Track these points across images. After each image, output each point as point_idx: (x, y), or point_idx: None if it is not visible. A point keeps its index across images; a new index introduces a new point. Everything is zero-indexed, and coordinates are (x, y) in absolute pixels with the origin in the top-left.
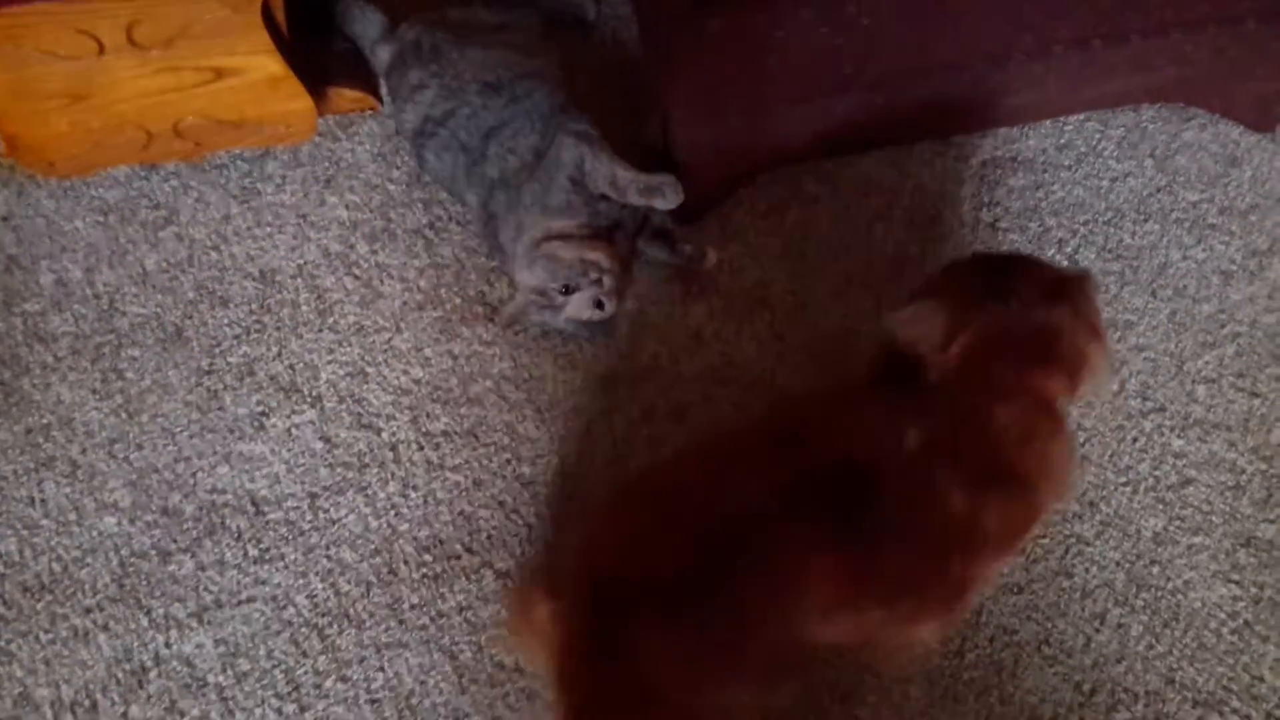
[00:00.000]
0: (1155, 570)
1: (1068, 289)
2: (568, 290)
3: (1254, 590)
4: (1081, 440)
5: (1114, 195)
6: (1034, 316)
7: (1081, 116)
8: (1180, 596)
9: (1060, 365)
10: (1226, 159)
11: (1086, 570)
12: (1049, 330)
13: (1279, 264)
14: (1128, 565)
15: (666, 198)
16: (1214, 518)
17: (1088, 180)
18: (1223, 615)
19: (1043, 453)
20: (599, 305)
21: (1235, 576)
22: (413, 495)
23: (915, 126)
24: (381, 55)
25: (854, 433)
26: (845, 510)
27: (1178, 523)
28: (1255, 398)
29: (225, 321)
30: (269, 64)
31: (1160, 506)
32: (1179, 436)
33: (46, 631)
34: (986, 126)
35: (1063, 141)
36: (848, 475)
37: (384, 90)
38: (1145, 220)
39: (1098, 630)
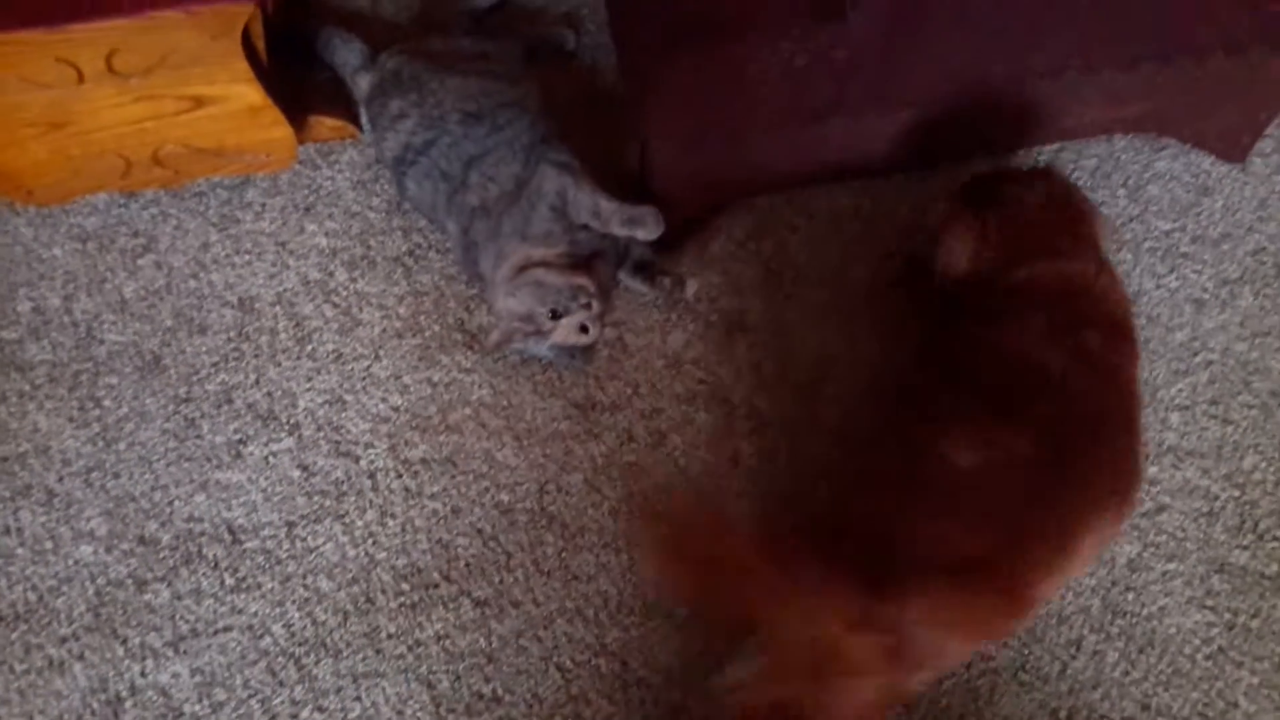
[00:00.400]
0: (1130, 597)
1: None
2: (556, 315)
3: (1228, 616)
4: None
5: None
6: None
7: (1056, 146)
8: (1155, 622)
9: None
10: (1198, 188)
11: (1062, 597)
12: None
13: (1250, 293)
14: (1103, 592)
15: (648, 228)
16: (1188, 544)
17: None
18: (1197, 641)
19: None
20: (583, 330)
21: (1209, 603)
22: (391, 523)
23: (890, 157)
24: (362, 84)
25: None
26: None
27: (1152, 549)
28: (1228, 425)
29: (203, 349)
30: (249, 92)
31: (1135, 533)
32: (1153, 464)
33: (21, 661)
34: (961, 157)
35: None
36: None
37: (364, 118)
38: (1118, 249)
39: (1074, 657)
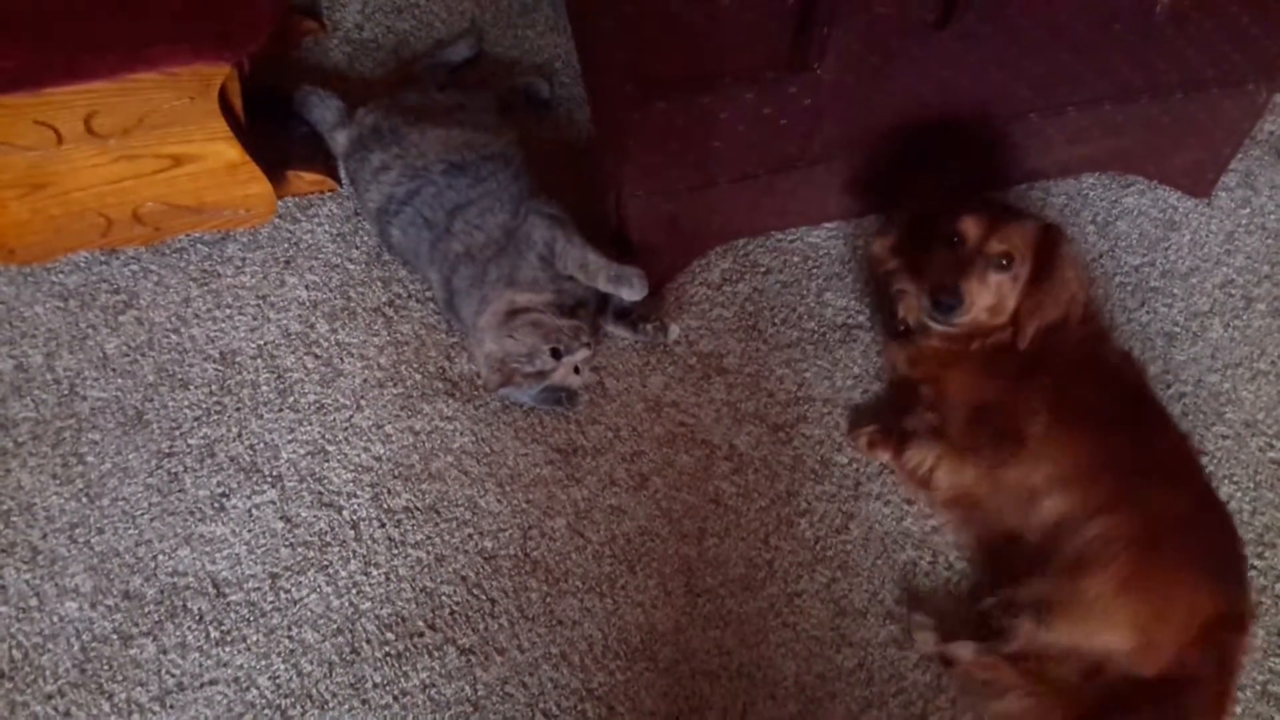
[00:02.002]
0: None
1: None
2: (557, 354)
3: None
4: None
5: None
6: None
7: (1024, 186)
8: None
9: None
10: (1166, 223)
11: None
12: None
13: (1220, 324)
14: None
15: (633, 288)
16: None
17: None
18: None
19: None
20: (577, 371)
21: None
22: (374, 573)
23: (859, 200)
24: (340, 139)
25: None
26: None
27: None
28: (1203, 456)
29: (185, 404)
30: (227, 150)
31: None
32: None
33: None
34: (929, 199)
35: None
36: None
37: (343, 172)
38: (1089, 285)
39: None
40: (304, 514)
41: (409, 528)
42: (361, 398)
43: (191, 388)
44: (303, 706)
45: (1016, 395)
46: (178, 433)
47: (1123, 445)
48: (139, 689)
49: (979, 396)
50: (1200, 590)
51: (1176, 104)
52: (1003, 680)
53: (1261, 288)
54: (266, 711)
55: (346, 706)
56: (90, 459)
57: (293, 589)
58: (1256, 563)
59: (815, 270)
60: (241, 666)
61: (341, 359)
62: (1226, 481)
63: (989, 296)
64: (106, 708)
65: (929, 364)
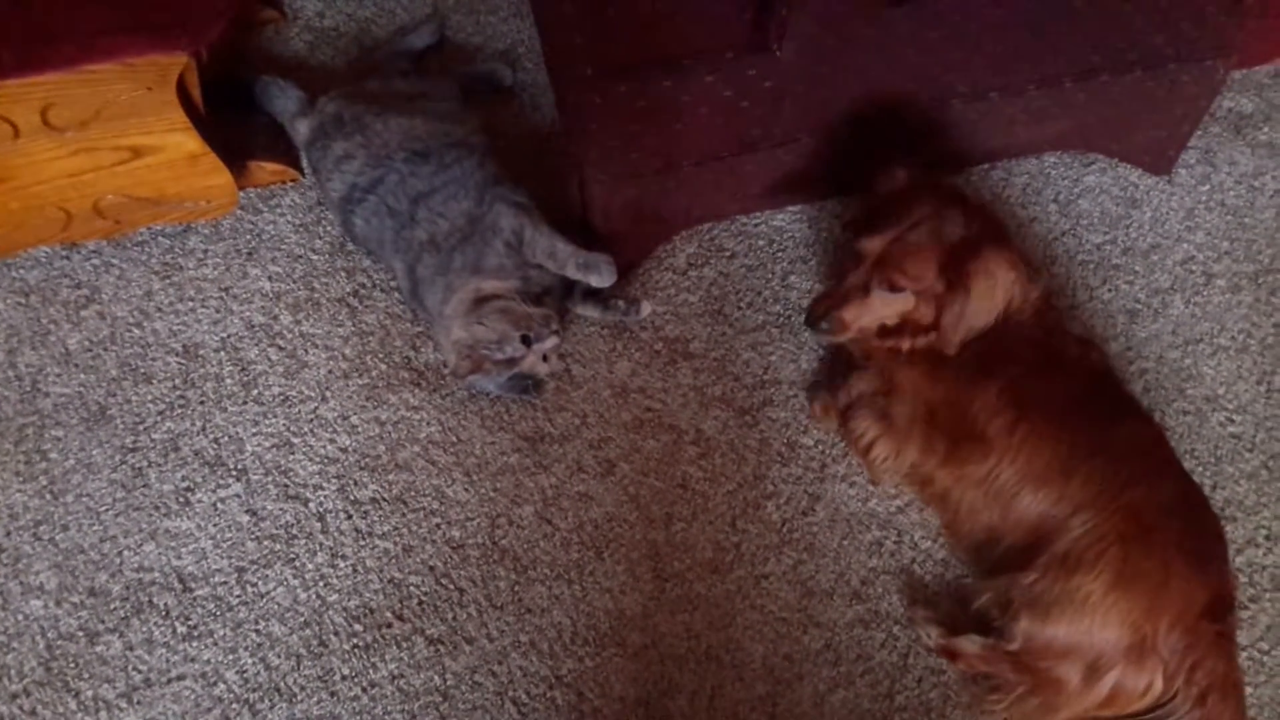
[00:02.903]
0: None
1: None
2: (527, 341)
3: None
4: None
5: (1020, 241)
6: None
7: (986, 166)
8: None
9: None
10: (1127, 201)
11: None
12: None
13: (1181, 301)
14: None
15: (602, 275)
16: None
17: None
18: None
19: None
20: (545, 359)
21: None
22: (342, 565)
23: (823, 183)
24: (301, 129)
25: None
26: None
27: None
28: (1165, 432)
29: (149, 398)
30: (186, 141)
31: None
32: None
33: None
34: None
35: (968, 191)
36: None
37: (305, 162)
38: (1051, 264)
39: None
40: (270, 507)
41: (376, 519)
42: (326, 389)
43: (155, 382)
44: (271, 700)
45: (973, 395)
46: (141, 427)
47: (1093, 438)
48: (106, 686)
49: (930, 396)
50: (1192, 580)
51: (1136, 81)
52: (1005, 677)
53: (1221, 264)
54: (235, 706)
55: (315, 699)
56: (54, 455)
57: (259, 582)
58: None
59: (780, 254)
60: (209, 661)
61: (306, 350)
62: (1188, 457)
63: (872, 318)
64: (73, 705)
65: (878, 355)
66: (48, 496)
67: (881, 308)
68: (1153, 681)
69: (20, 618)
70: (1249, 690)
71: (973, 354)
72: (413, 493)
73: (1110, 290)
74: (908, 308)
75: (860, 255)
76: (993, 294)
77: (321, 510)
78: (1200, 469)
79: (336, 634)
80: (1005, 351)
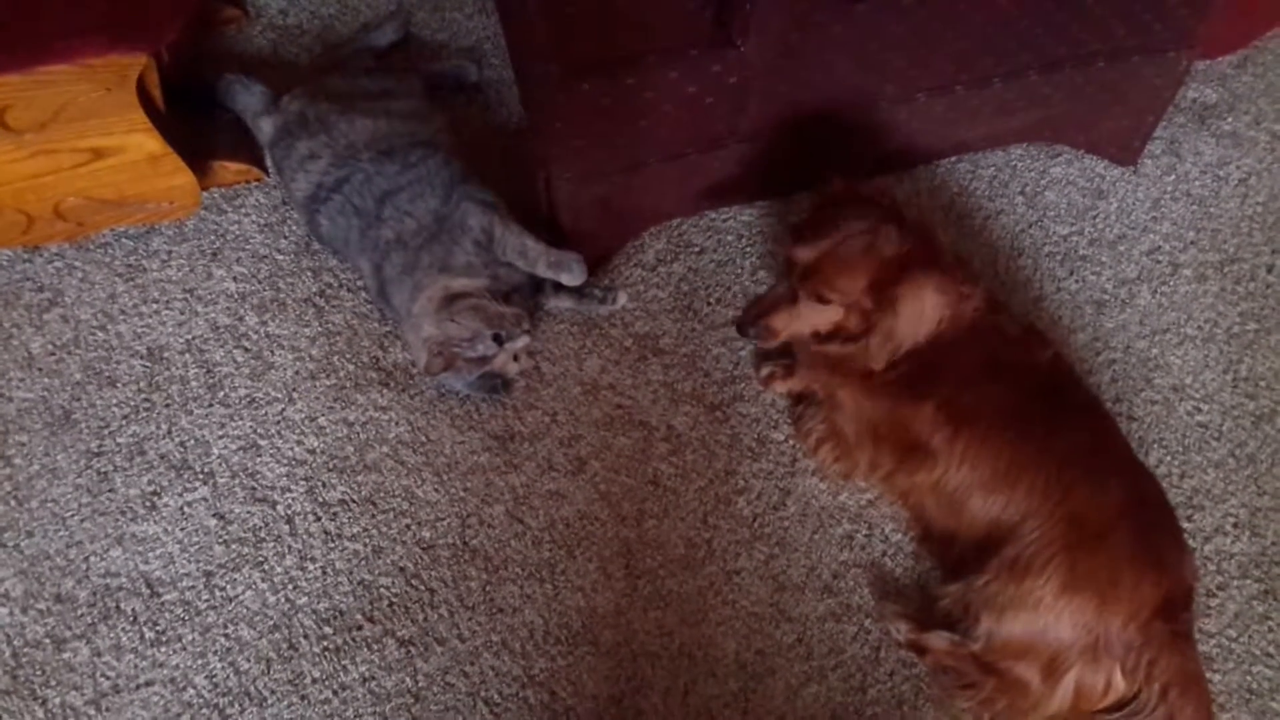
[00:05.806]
0: None
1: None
2: (499, 339)
3: None
4: None
5: (987, 233)
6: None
7: (953, 159)
8: None
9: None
10: (1093, 192)
11: None
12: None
13: (1148, 291)
14: None
15: (573, 273)
16: None
17: (961, 221)
18: None
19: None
20: (515, 358)
21: None
22: (311, 567)
23: (790, 177)
24: (265, 127)
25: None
26: None
27: None
28: (1132, 421)
29: (114, 402)
30: (147, 142)
31: None
32: None
33: None
34: (859, 175)
35: (935, 184)
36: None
37: (269, 161)
38: (1018, 256)
39: None
40: (237, 510)
41: (345, 520)
42: (293, 390)
43: (119, 385)
44: (241, 705)
45: (913, 412)
46: (106, 431)
47: (1040, 443)
48: (73, 693)
49: (872, 415)
50: (1142, 581)
51: (1100, 73)
52: (969, 674)
53: (1187, 253)
54: (204, 711)
55: (286, 703)
56: (18, 461)
57: (228, 586)
58: (1185, 525)
59: (749, 249)
60: (177, 666)
61: (272, 351)
62: (1156, 446)
63: (802, 326)
64: (40, 714)
65: (818, 364)
66: (12, 503)
67: (811, 316)
68: (1111, 679)
69: None
70: (1217, 678)
71: (909, 370)
72: (382, 494)
73: (1077, 281)
74: (837, 318)
75: (792, 263)
76: (919, 317)
77: (290, 513)
78: (1168, 458)
79: (306, 637)
80: (942, 366)
